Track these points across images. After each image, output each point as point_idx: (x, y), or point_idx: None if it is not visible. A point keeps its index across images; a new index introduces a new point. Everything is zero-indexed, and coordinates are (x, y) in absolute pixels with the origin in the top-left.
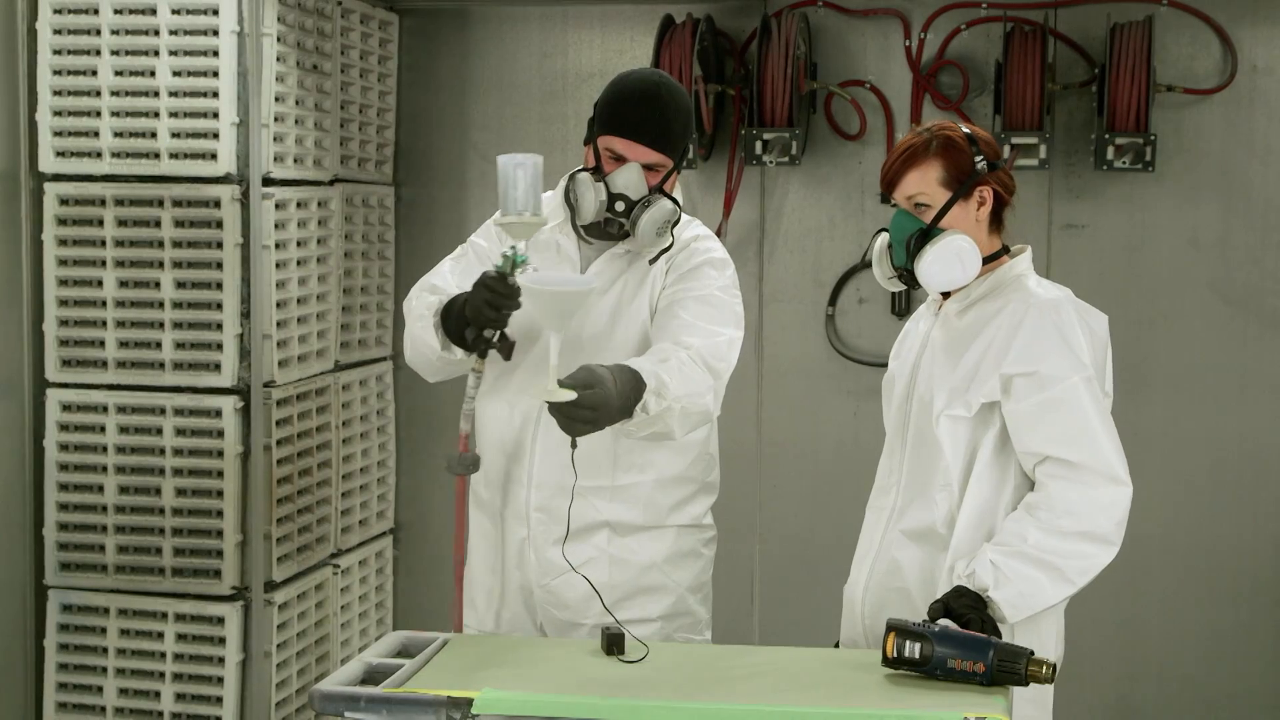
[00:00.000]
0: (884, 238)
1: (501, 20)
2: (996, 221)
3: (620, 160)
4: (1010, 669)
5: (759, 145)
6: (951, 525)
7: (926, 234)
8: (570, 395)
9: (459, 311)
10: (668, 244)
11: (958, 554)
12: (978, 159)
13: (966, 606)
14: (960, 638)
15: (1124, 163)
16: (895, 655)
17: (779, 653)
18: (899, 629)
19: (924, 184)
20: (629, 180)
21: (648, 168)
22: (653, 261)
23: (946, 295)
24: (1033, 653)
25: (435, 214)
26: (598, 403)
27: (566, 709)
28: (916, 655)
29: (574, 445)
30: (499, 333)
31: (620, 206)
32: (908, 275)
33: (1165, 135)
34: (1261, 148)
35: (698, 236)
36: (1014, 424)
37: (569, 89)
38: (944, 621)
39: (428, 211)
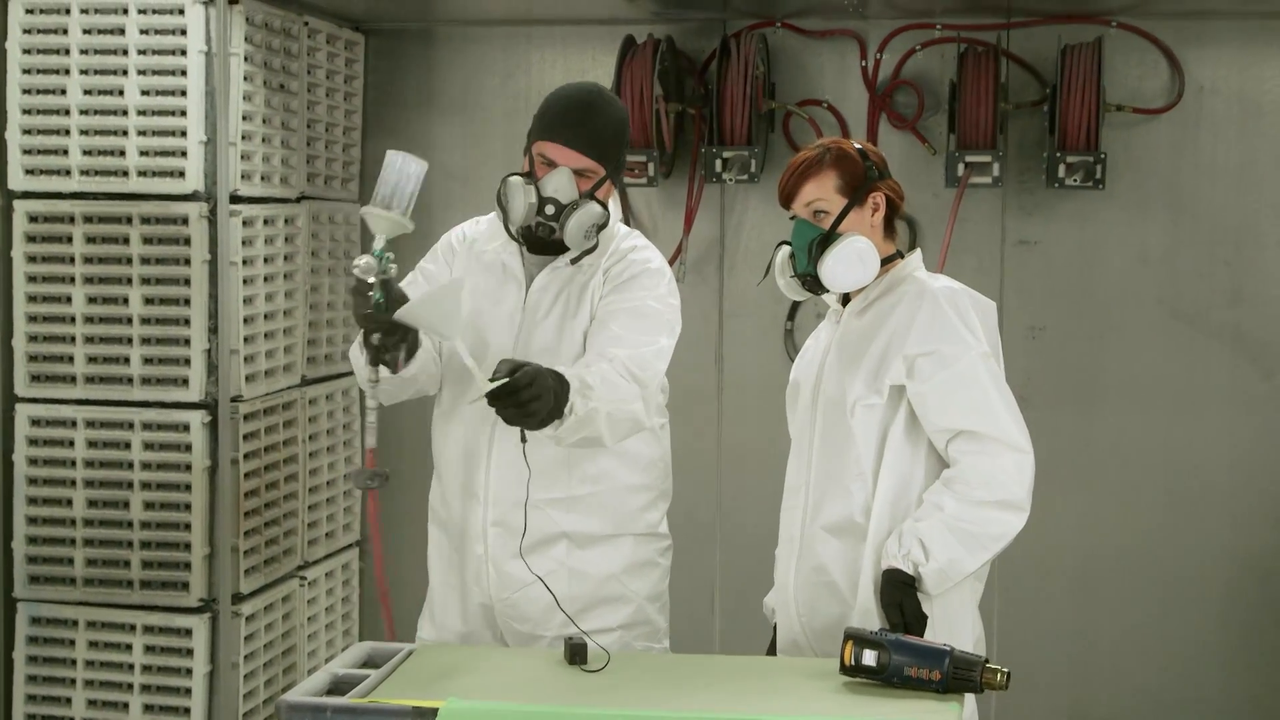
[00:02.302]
0: (785, 250)
1: (465, 40)
2: (889, 227)
3: (552, 165)
4: (965, 677)
5: (719, 163)
6: (869, 514)
7: (827, 238)
8: (501, 380)
9: None
10: (592, 245)
11: (877, 536)
12: (869, 168)
13: (912, 608)
14: (916, 646)
15: (1075, 180)
16: (853, 663)
17: (739, 661)
18: (856, 637)
19: (821, 191)
20: (559, 184)
21: (579, 173)
22: (574, 261)
23: (845, 303)
24: (987, 660)
25: None
26: (530, 376)
27: (530, 718)
28: (874, 663)
29: (523, 439)
30: (384, 341)
31: (550, 210)
32: (812, 280)
33: (1115, 154)
34: (1208, 166)
35: (635, 247)
36: (920, 404)
37: (532, 108)
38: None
39: None
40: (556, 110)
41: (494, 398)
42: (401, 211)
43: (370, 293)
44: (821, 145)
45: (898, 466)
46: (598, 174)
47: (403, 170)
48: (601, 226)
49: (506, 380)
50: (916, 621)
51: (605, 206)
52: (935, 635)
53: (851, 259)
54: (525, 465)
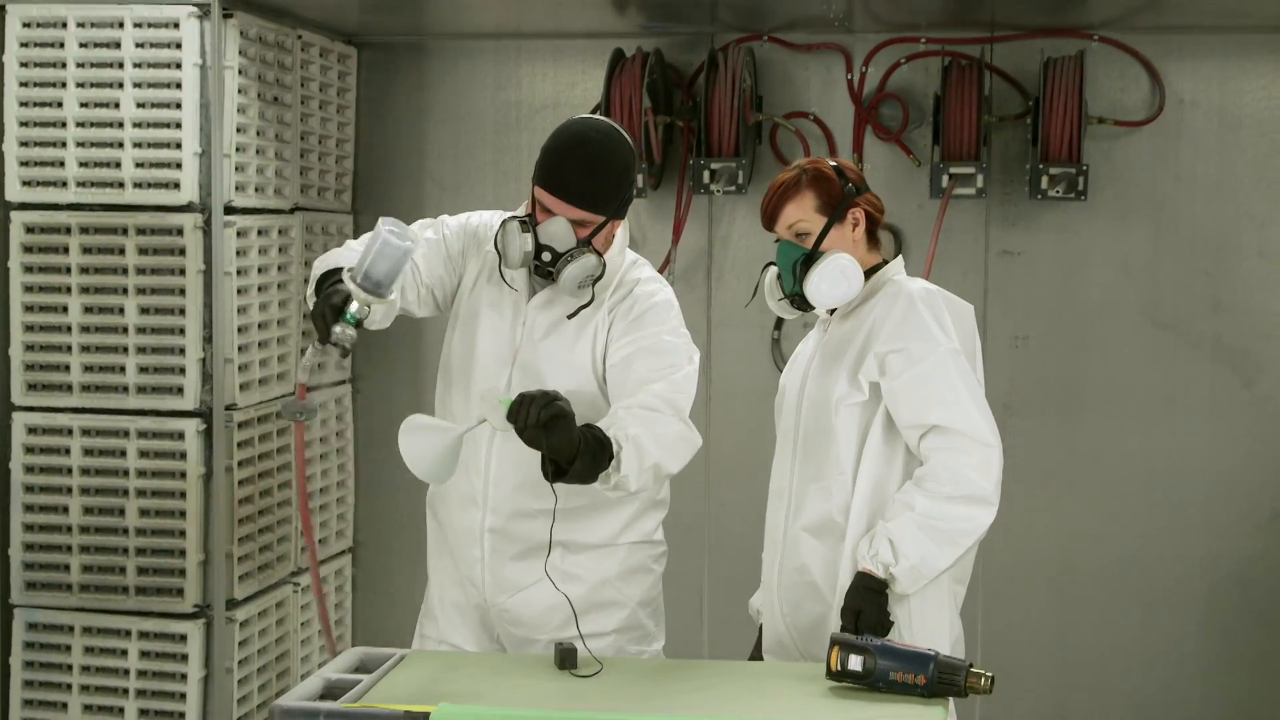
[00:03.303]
0: (773, 271)
1: (457, 53)
2: (872, 239)
3: (550, 212)
4: (950, 681)
5: (707, 174)
6: (848, 513)
7: (811, 257)
8: (508, 401)
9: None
10: (587, 300)
11: (855, 534)
12: (846, 186)
13: (872, 614)
14: (901, 651)
15: (1057, 192)
16: (839, 668)
17: (728, 665)
18: (842, 643)
19: (801, 212)
20: (555, 233)
21: (576, 222)
22: (571, 316)
23: (831, 312)
24: (971, 665)
25: None
26: (534, 391)
27: None
28: (860, 668)
29: (549, 476)
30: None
31: (547, 257)
32: (799, 299)
33: (1097, 165)
34: (1188, 177)
35: (639, 280)
36: (892, 400)
37: (522, 120)
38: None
39: None
40: (556, 160)
41: (517, 426)
42: (382, 292)
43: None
44: (798, 167)
45: (875, 467)
46: (595, 222)
47: (396, 251)
48: (598, 278)
49: (511, 401)
50: (874, 629)
51: (601, 255)
52: (912, 635)
53: (836, 276)
54: (523, 471)
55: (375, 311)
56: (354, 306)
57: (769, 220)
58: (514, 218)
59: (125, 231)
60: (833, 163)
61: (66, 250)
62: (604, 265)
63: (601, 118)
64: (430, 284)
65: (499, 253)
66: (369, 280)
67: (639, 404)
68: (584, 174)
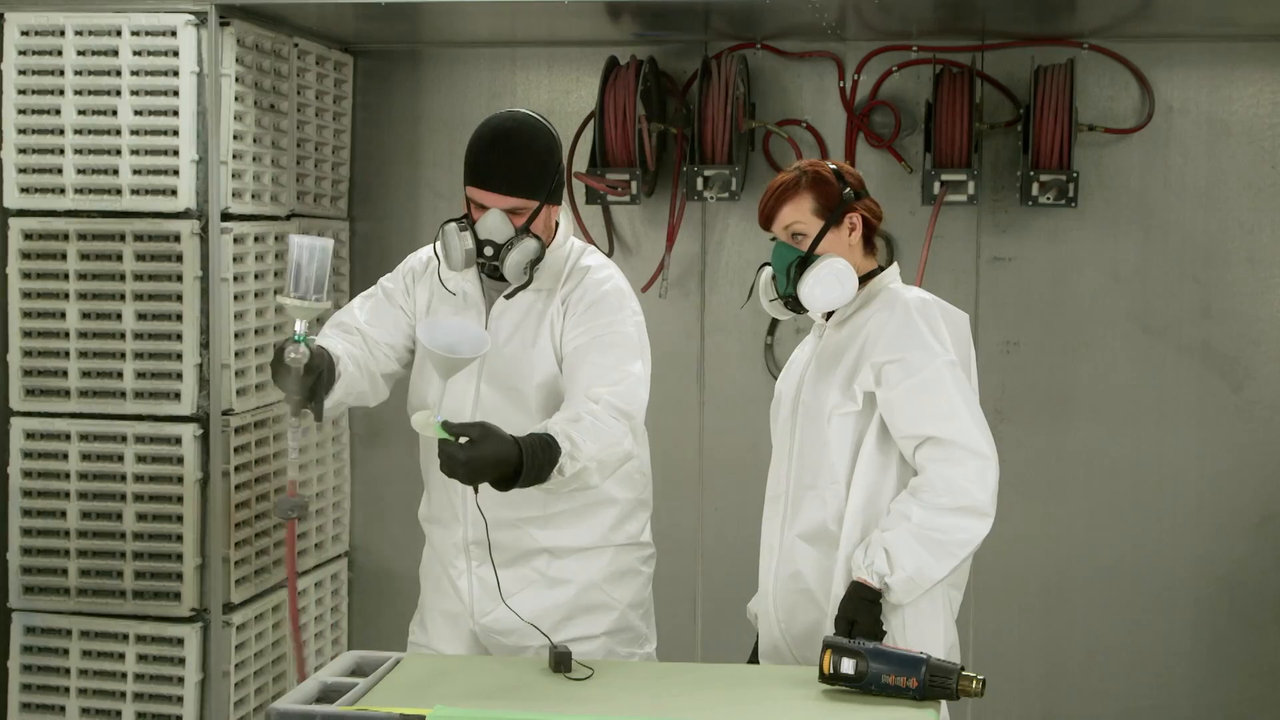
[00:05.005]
0: (767, 271)
1: (452, 61)
2: (868, 244)
3: (484, 208)
4: (941, 684)
5: (700, 181)
6: (841, 521)
7: (806, 260)
8: (441, 434)
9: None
10: (526, 281)
11: (849, 542)
12: (845, 190)
13: (866, 623)
14: (894, 655)
15: (1048, 199)
16: (832, 671)
17: (721, 669)
18: (835, 646)
19: (799, 214)
20: (492, 226)
21: (510, 211)
22: (509, 296)
23: (827, 318)
24: (963, 668)
25: (388, 247)
26: (466, 458)
27: None
28: (852, 672)
29: (475, 490)
30: (306, 404)
31: (489, 251)
32: (792, 301)
33: (1087, 172)
34: (1177, 184)
35: (590, 268)
36: (888, 410)
37: None
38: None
39: (381, 245)
40: (476, 154)
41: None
42: (319, 296)
43: (295, 365)
44: (798, 168)
45: (869, 475)
46: (529, 208)
47: (314, 255)
48: (537, 261)
49: (447, 437)
50: (868, 639)
51: (540, 239)
52: (906, 642)
53: (830, 280)
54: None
55: (313, 330)
56: (299, 326)
57: (766, 220)
58: (450, 221)
59: (123, 238)
60: (833, 166)
61: (64, 257)
62: (543, 248)
63: (519, 109)
64: (391, 341)
65: (438, 256)
66: (300, 289)
67: (595, 415)
68: (506, 159)
